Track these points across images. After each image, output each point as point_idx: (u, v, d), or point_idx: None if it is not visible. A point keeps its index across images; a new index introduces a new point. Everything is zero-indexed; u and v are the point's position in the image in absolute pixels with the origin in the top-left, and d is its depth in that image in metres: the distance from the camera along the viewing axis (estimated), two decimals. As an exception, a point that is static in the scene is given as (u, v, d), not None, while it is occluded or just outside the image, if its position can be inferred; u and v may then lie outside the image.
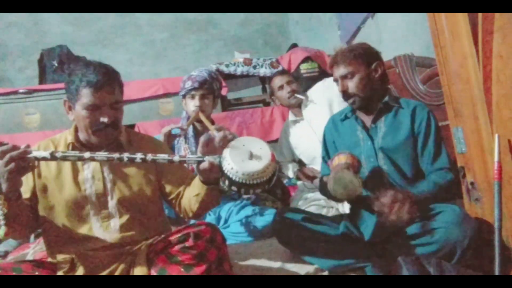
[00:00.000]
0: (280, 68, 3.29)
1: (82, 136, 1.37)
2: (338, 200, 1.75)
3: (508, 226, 1.30)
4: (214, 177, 1.29)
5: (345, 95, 1.66)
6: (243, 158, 1.18)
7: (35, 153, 1.17)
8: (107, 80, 1.30)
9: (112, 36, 4.95)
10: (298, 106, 2.49)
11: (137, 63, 4.92)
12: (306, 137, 2.42)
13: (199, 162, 1.26)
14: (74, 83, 1.30)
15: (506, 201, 1.29)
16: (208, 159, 1.23)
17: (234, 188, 1.19)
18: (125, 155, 1.22)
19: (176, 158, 1.24)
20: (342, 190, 1.41)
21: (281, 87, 2.48)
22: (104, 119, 1.30)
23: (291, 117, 2.56)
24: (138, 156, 1.22)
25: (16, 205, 1.20)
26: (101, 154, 1.22)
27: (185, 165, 1.97)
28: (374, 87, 1.65)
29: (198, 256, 1.22)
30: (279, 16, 5.21)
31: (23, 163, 1.13)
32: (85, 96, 1.28)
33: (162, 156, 1.24)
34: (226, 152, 1.20)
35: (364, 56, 1.65)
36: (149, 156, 1.22)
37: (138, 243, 1.36)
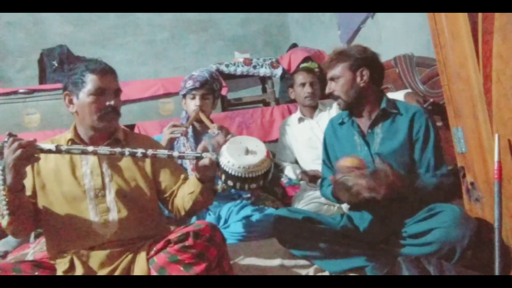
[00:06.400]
0: (309, 63, 3.27)
1: (82, 131, 1.42)
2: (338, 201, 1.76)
3: (508, 226, 1.30)
4: (211, 175, 1.33)
5: (331, 97, 1.73)
6: (239, 153, 1.24)
7: (41, 145, 1.23)
8: (109, 67, 1.41)
9: (112, 36, 4.94)
10: (312, 107, 2.49)
11: (137, 63, 4.91)
12: (308, 137, 2.41)
13: (198, 159, 1.30)
14: (77, 73, 1.38)
15: (506, 201, 1.29)
16: (206, 155, 1.28)
17: (230, 182, 1.24)
18: (127, 150, 1.27)
19: (175, 153, 1.31)
20: (345, 193, 1.44)
21: (302, 85, 2.47)
22: (111, 102, 1.37)
23: (297, 114, 2.55)
24: (139, 151, 1.27)
25: (19, 197, 1.22)
26: (104, 148, 1.27)
27: (181, 164, 1.98)
28: (359, 91, 1.66)
29: (198, 255, 1.22)
30: (279, 16, 5.20)
31: (29, 151, 1.18)
32: (91, 81, 1.36)
33: (162, 152, 1.30)
34: (224, 148, 1.26)
35: (352, 61, 1.66)
36: (150, 151, 1.28)
37: (137, 242, 1.36)
